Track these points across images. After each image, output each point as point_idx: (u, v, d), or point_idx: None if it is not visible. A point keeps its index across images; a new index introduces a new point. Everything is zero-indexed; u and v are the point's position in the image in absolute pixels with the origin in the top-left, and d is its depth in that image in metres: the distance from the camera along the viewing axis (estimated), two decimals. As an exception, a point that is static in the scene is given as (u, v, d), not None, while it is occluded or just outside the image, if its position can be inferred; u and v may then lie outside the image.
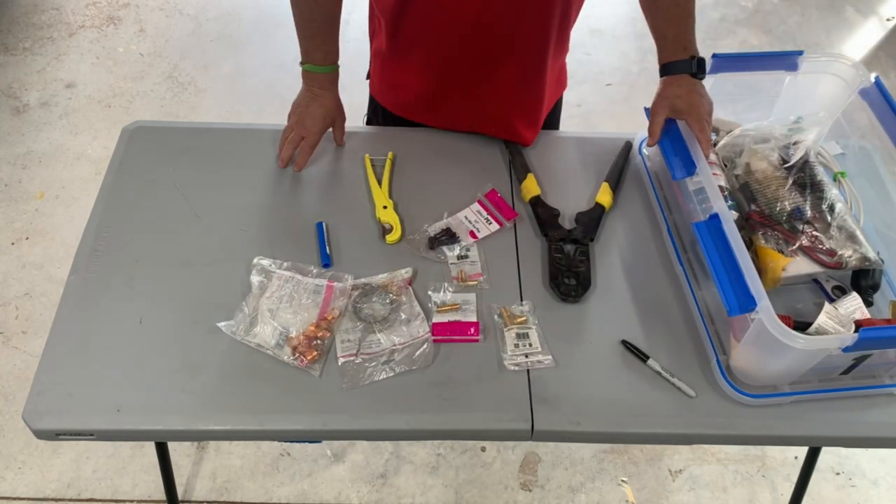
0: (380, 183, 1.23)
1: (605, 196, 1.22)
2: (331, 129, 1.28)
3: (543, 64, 1.20)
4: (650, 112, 1.16)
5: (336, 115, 1.25)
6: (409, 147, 1.30)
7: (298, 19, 1.16)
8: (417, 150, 1.31)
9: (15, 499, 1.70)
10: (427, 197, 1.23)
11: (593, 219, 1.19)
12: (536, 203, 1.21)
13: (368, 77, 1.36)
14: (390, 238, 1.15)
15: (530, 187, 1.22)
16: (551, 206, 1.20)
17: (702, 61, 1.13)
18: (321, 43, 1.17)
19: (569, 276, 1.10)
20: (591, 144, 1.34)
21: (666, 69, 1.14)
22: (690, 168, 1.07)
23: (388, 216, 1.17)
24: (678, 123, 1.13)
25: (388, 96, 1.31)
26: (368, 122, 1.42)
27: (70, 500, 1.70)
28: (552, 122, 1.41)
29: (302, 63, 1.20)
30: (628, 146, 1.31)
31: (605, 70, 2.89)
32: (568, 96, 1.42)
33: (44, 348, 1.01)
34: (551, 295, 1.10)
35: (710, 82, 1.17)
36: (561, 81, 1.36)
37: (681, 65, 1.13)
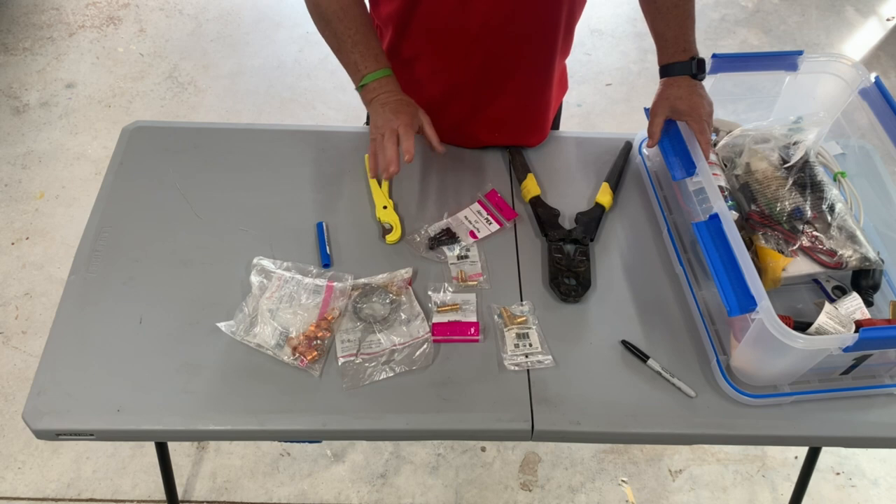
0: (380, 183, 1.23)
1: (605, 196, 1.22)
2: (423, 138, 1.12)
3: (551, 69, 1.20)
4: (650, 113, 1.16)
5: (417, 108, 1.08)
6: (409, 147, 1.30)
7: (334, 41, 1.07)
8: (418, 150, 1.29)
9: (15, 499, 1.70)
10: (427, 197, 1.23)
11: (593, 219, 1.19)
12: (536, 203, 1.21)
13: None
14: (390, 238, 1.15)
15: (530, 187, 1.22)
16: (551, 206, 1.20)
17: (701, 62, 1.13)
18: (366, 49, 1.06)
19: (569, 276, 1.10)
20: (591, 144, 1.34)
21: (666, 70, 1.15)
22: (690, 168, 1.07)
23: (389, 216, 1.17)
24: (678, 124, 1.13)
25: None
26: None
27: (70, 500, 1.70)
28: (553, 122, 1.41)
29: (357, 86, 1.08)
30: (628, 146, 1.31)
31: (605, 70, 2.89)
32: (568, 96, 1.42)
33: (44, 348, 1.01)
34: (551, 295, 1.10)
35: (710, 82, 1.17)
36: (563, 84, 1.36)
37: (681, 66, 1.13)
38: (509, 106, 1.23)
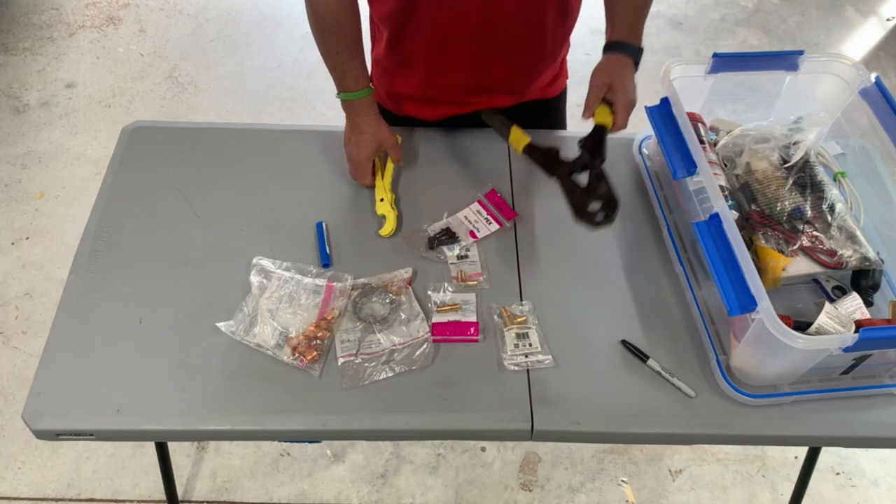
0: (382, 175, 1.22)
1: (604, 116, 1.12)
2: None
3: (542, 68, 1.22)
4: (590, 83, 1.13)
5: (382, 136, 1.19)
6: (409, 147, 1.30)
7: (323, 50, 1.12)
8: (417, 150, 1.31)
9: (15, 499, 1.70)
10: (427, 196, 1.23)
11: (597, 139, 1.10)
12: (531, 150, 1.13)
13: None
14: (383, 231, 1.15)
15: (519, 137, 1.14)
16: (546, 147, 1.13)
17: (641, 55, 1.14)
18: (350, 68, 1.13)
19: (592, 202, 1.04)
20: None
21: (614, 47, 1.13)
22: (691, 168, 1.06)
23: (384, 209, 1.17)
24: (679, 122, 1.12)
25: (389, 103, 1.32)
26: None
27: (70, 500, 1.70)
28: (559, 121, 1.41)
29: (337, 94, 1.17)
30: None
31: (605, 70, 2.89)
32: (568, 96, 1.42)
33: (44, 348, 1.01)
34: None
35: (710, 82, 1.17)
36: (561, 74, 1.37)
37: (631, 49, 1.13)
38: (502, 103, 1.24)
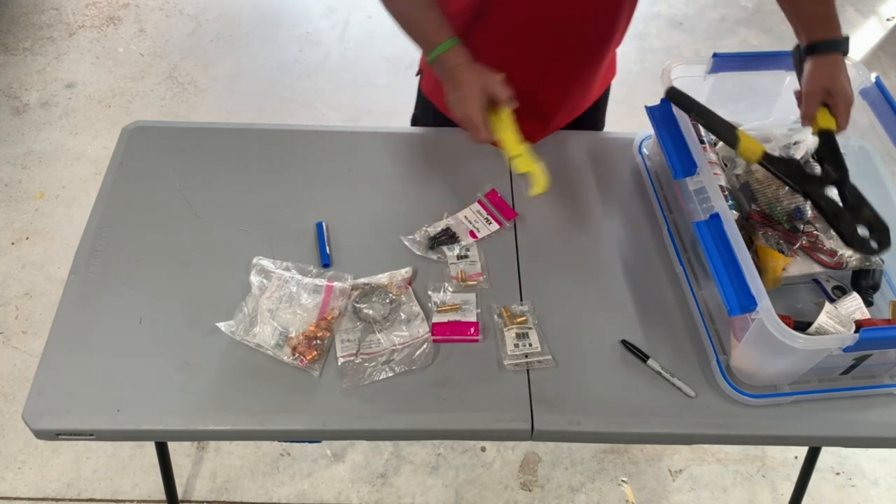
0: (504, 131, 1.08)
1: (826, 120, 1.07)
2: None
3: (599, 70, 1.22)
4: (804, 94, 1.07)
5: (483, 78, 1.06)
6: (409, 147, 1.30)
7: (398, 18, 1.08)
8: (418, 150, 1.31)
9: (15, 499, 1.70)
10: (427, 196, 1.23)
11: (833, 148, 1.05)
12: (769, 161, 1.04)
13: (419, 74, 1.35)
14: (535, 190, 1.03)
15: (751, 147, 1.03)
16: (787, 158, 1.07)
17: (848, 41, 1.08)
18: (427, 22, 1.07)
19: (859, 226, 1.00)
20: (592, 144, 1.34)
21: (820, 48, 1.08)
22: (691, 168, 1.06)
23: (525, 165, 1.04)
24: (678, 119, 1.12)
25: (440, 95, 1.29)
26: (415, 121, 1.42)
27: (70, 500, 1.70)
28: (600, 120, 1.42)
29: (428, 60, 1.09)
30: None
31: (605, 70, 2.89)
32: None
33: (44, 348, 1.01)
34: (549, 295, 1.09)
35: (710, 82, 1.17)
36: (611, 69, 1.35)
37: (837, 43, 1.07)
38: (556, 102, 1.25)
